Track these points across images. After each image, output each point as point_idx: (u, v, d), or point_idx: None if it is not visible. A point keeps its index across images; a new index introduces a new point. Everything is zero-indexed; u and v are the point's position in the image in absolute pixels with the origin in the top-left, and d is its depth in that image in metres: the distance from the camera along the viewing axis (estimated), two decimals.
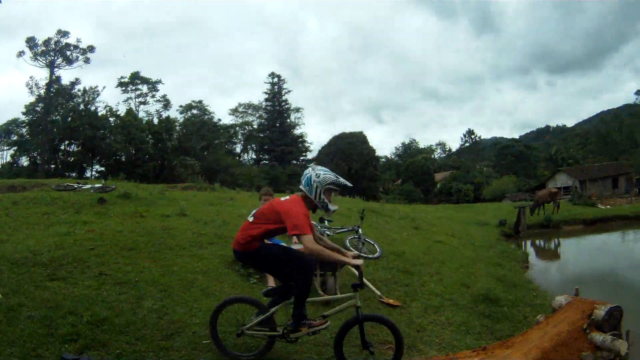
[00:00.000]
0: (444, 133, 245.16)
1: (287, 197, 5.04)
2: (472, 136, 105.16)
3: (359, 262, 4.89)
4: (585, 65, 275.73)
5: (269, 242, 5.55)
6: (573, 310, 5.16)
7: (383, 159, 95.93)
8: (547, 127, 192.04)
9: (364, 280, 6.56)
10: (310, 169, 5.01)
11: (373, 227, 14.53)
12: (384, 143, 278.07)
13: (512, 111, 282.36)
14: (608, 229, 22.71)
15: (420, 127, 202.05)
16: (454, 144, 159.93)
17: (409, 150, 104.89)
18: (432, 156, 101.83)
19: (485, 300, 8.24)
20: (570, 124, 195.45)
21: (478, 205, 42.21)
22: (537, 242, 22.04)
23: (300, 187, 4.96)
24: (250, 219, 4.99)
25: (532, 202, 28.33)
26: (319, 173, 4.89)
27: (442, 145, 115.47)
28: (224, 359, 5.01)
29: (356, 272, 5.14)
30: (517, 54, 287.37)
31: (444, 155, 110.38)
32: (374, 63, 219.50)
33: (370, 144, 71.25)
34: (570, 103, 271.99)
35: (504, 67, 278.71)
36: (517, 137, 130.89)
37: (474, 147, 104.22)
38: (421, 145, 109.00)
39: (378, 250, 10.68)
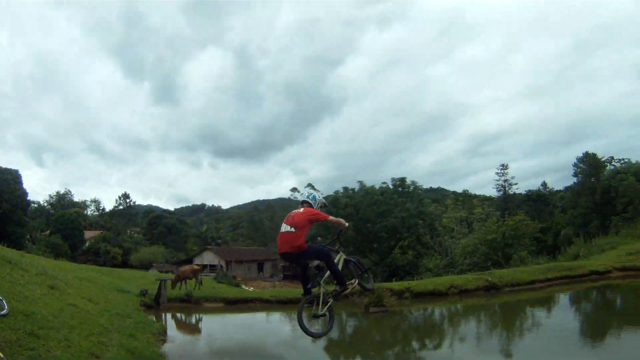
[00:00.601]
0: (101, 191, 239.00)
1: (301, 209, 7.90)
2: (128, 200, 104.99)
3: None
4: (249, 155, 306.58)
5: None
6: None
7: (35, 205, 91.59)
8: (203, 205, 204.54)
9: None
10: (311, 189, 10.77)
11: (6, 280, 12.99)
12: (40, 187, 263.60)
13: (172, 183, 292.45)
14: (248, 310, 24.79)
15: (79, 179, 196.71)
16: (109, 204, 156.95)
17: (62, 201, 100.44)
18: (85, 212, 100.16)
19: None
20: (225, 206, 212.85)
21: (124, 270, 41.81)
22: (178, 315, 22.34)
23: (307, 199, 8.15)
24: (292, 229, 7.56)
25: (174, 277, 29.20)
26: (319, 194, 8.67)
27: (96, 202, 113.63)
28: None
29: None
30: (188, 130, 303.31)
31: (97, 213, 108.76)
32: (49, 100, 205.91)
33: (25, 185, 65.26)
34: (228, 187, 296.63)
35: (173, 139, 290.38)
36: (172, 209, 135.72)
37: (127, 211, 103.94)
38: (76, 199, 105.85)
39: (5, 307, 9.62)
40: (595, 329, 15.68)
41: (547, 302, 23.92)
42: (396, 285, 27.91)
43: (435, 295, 26.19)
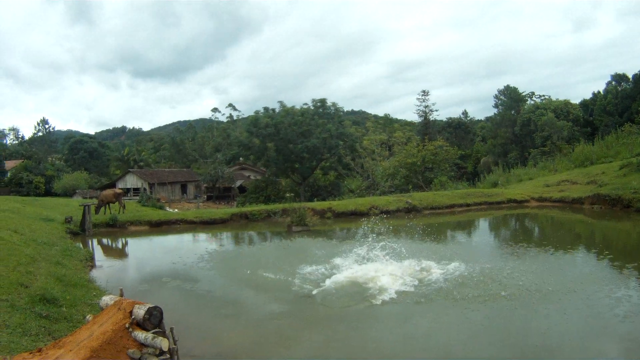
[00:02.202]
0: (18, 118, 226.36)
1: None
2: (47, 126, 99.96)
3: None
4: (169, 75, 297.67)
5: None
6: (117, 309, 5.38)
7: None
8: (124, 127, 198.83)
9: None
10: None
11: None
12: None
13: (91, 106, 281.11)
14: (173, 231, 24.81)
15: None
16: (28, 132, 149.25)
17: None
18: (4, 141, 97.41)
19: (43, 301, 8.17)
20: (146, 128, 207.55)
21: (48, 199, 40.68)
22: (104, 240, 22.32)
23: None
24: None
25: (97, 202, 28.62)
26: None
27: (15, 131, 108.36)
28: None
29: None
30: (106, 51, 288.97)
31: (16, 142, 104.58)
32: None
33: None
34: (149, 108, 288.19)
35: (91, 61, 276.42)
36: (92, 133, 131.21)
37: (47, 138, 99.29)
38: None
39: None
40: (513, 246, 16.79)
41: (466, 226, 25.23)
42: (318, 205, 28.75)
43: (356, 215, 27.16)
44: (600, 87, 76.94)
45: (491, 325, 8.96)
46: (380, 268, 12.73)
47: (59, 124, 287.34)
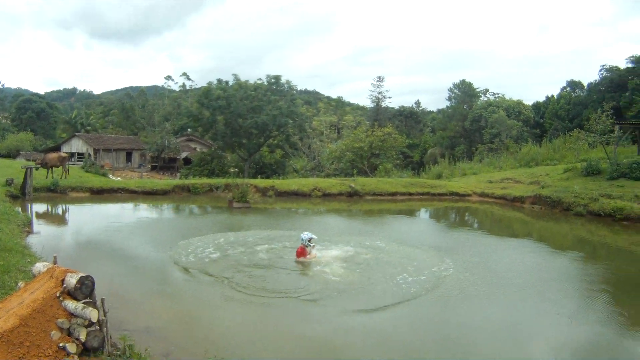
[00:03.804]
0: None
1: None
2: None
3: None
4: (126, 38, 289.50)
5: None
6: (49, 277, 5.40)
7: None
8: (75, 89, 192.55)
9: None
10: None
11: None
12: None
13: (44, 64, 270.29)
14: (114, 200, 24.56)
15: None
16: None
17: None
18: None
19: None
20: (97, 91, 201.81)
21: None
22: (44, 206, 21.97)
23: None
24: None
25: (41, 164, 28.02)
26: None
27: None
28: None
29: None
30: (64, 7, 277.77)
31: None
32: None
33: None
34: (102, 71, 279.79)
35: (49, 16, 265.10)
36: (42, 93, 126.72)
37: None
38: None
39: None
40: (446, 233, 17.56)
41: (406, 213, 25.85)
42: (261, 182, 28.95)
43: (298, 195, 27.55)
44: (555, 91, 79.31)
45: None
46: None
47: (9, 82, 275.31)
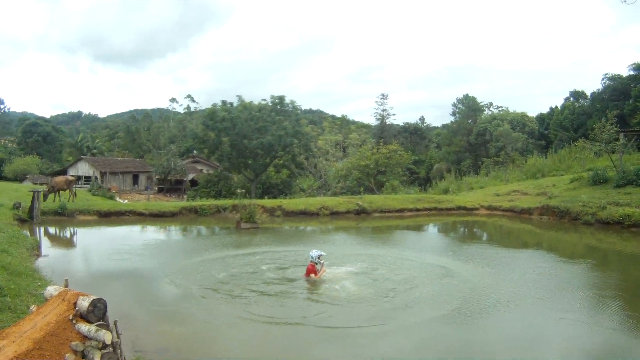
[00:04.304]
0: None
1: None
2: (2, 106, 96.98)
3: None
4: (130, 61, 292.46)
5: None
6: (61, 300, 5.35)
7: None
8: (80, 112, 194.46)
9: None
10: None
11: None
12: None
13: (49, 88, 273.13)
14: (122, 222, 24.60)
15: None
16: None
17: None
18: None
19: None
20: (102, 114, 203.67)
21: None
22: (52, 229, 22.03)
23: None
24: None
25: (48, 188, 28.17)
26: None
27: None
28: None
29: None
30: (68, 31, 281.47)
31: None
32: None
33: None
34: (107, 94, 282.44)
35: (53, 40, 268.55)
36: (48, 116, 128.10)
37: (1, 119, 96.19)
38: None
39: None
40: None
41: (415, 229, 25.76)
42: (269, 202, 28.92)
43: (306, 214, 27.49)
44: (559, 102, 79.35)
45: None
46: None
47: (15, 106, 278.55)
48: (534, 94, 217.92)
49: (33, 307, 5.84)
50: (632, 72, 58.71)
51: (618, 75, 61.94)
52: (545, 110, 78.65)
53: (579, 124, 63.12)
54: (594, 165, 33.82)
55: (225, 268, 13.38)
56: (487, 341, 8.62)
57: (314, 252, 12.15)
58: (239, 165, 51.41)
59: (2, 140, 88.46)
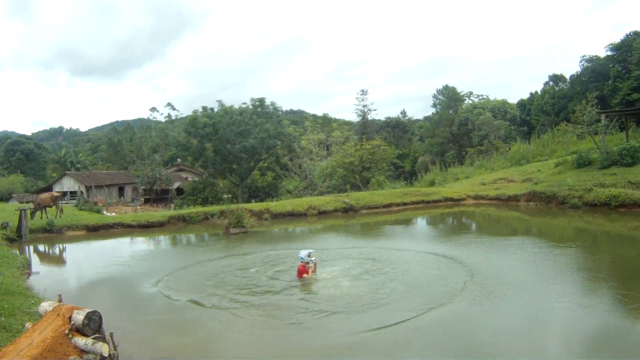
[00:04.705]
0: None
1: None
2: None
3: None
4: (107, 73, 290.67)
5: None
6: (56, 316, 5.40)
7: None
8: (61, 127, 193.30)
9: None
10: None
11: None
12: None
13: (28, 105, 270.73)
14: (111, 236, 24.44)
15: None
16: None
17: None
18: None
19: None
20: (83, 128, 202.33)
21: None
22: (41, 247, 21.88)
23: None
24: None
25: (34, 206, 27.96)
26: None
27: None
28: None
29: None
30: (44, 47, 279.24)
31: None
32: None
33: None
34: (86, 107, 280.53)
35: (29, 57, 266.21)
36: (29, 134, 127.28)
37: None
38: None
39: None
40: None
41: (403, 223, 25.90)
42: (256, 206, 28.90)
43: (294, 215, 27.53)
44: (538, 87, 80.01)
45: None
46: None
47: None
48: (514, 80, 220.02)
49: (28, 325, 5.86)
50: (609, 53, 59.41)
51: (596, 56, 62.68)
52: (525, 96, 79.48)
53: (560, 107, 63.69)
54: (578, 148, 34.18)
55: (216, 274, 13.42)
56: (490, 329, 8.74)
57: (303, 252, 12.18)
58: (224, 171, 51.24)
59: None
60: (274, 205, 29.73)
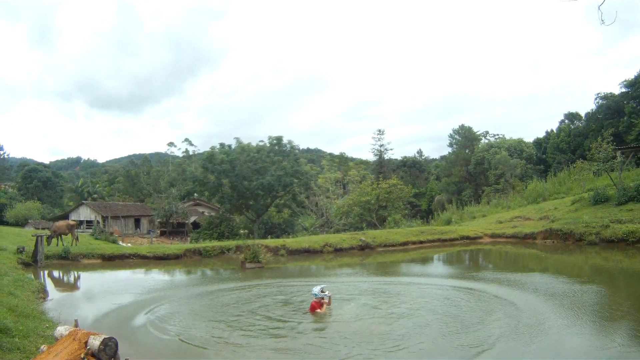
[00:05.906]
0: None
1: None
2: (1, 152, 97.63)
3: None
4: (126, 107, 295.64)
5: None
6: (72, 340, 5.45)
7: None
8: (79, 158, 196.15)
9: None
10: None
11: None
12: None
13: (47, 134, 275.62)
14: (126, 266, 24.48)
15: None
16: None
17: None
18: None
19: None
20: (101, 159, 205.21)
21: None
22: (57, 272, 22.02)
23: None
24: None
25: (50, 232, 28.24)
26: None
27: None
28: None
29: None
30: (63, 78, 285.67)
31: None
32: None
33: None
34: (104, 139, 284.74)
35: (49, 87, 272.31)
36: (47, 162, 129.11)
37: (1, 164, 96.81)
38: None
39: None
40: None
41: (420, 261, 25.62)
42: (272, 242, 28.81)
43: (310, 252, 27.38)
44: (554, 125, 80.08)
45: None
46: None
47: (14, 151, 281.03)
48: (529, 119, 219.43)
49: (44, 347, 5.89)
50: (624, 89, 59.51)
51: (610, 93, 62.80)
52: (541, 134, 79.40)
53: (576, 145, 63.53)
54: (594, 185, 34.00)
55: (233, 307, 13.35)
56: None
57: (316, 289, 12.20)
58: (240, 207, 51.53)
59: (3, 186, 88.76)
60: (290, 241, 29.63)
